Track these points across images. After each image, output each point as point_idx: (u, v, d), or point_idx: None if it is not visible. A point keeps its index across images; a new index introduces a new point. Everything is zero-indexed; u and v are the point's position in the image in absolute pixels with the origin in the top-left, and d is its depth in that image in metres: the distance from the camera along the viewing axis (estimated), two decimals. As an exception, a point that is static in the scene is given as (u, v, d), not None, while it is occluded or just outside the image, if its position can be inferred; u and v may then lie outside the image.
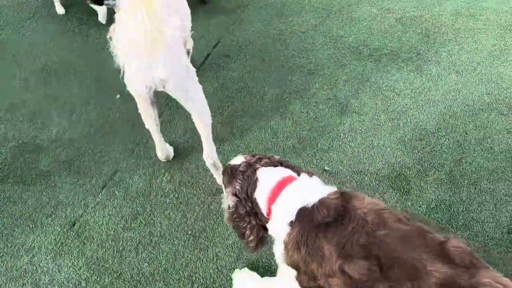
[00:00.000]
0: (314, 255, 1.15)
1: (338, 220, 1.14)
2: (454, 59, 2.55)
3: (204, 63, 2.65)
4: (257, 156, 1.36)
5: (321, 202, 1.17)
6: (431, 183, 1.97)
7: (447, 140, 2.14)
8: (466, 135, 2.16)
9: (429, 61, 2.54)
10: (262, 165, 1.31)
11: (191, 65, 1.80)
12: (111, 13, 2.17)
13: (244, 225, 1.31)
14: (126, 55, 1.67)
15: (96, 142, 2.25)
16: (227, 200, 1.34)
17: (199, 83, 1.83)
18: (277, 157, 1.40)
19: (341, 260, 1.10)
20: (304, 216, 1.18)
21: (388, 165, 2.05)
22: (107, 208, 1.97)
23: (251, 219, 1.30)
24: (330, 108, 2.32)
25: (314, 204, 1.18)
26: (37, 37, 2.93)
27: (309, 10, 2.96)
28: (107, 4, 2.52)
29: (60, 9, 3.09)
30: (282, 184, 1.26)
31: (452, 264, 1.01)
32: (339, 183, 1.97)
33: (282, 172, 1.30)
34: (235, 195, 1.30)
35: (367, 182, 2.00)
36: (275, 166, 1.33)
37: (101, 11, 2.88)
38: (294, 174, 1.31)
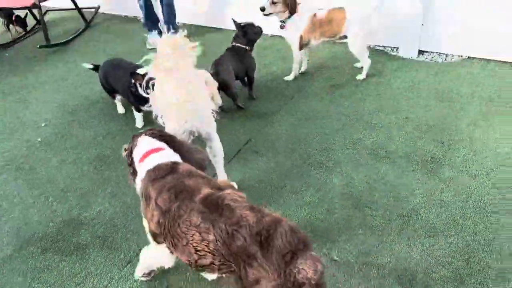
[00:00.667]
0: (147, 199, 1.77)
1: (164, 176, 1.76)
2: (468, 164, 2.68)
3: (235, 156, 2.96)
4: (151, 130, 2.03)
5: (157, 166, 1.81)
6: (437, 280, 2.01)
7: (456, 239, 2.20)
8: (475, 236, 2.21)
9: (443, 164, 2.69)
10: (147, 135, 1.99)
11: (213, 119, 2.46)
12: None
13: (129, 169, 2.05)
14: (165, 111, 2.34)
15: (130, 222, 2.53)
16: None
17: (228, 172, 2.56)
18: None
19: (155, 197, 1.71)
20: (148, 174, 1.82)
21: (396, 259, 2.12)
22: (129, 282, 2.17)
23: (131, 166, 2.01)
24: (344, 202, 2.48)
25: (153, 167, 1.82)
26: (99, 131, 3.42)
27: (333, 116, 3.28)
28: (145, 108, 3.13)
29: (120, 109, 3.65)
30: (148, 153, 1.90)
31: (214, 188, 1.68)
32: (346, 274, 2.06)
33: (154, 145, 1.94)
34: (125, 149, 2.07)
35: (374, 274, 2.07)
36: (158, 138, 1.98)
37: (139, 117, 3.41)
38: (163, 147, 1.94)
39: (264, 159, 2.92)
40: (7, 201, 2.79)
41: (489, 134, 2.91)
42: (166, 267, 2.00)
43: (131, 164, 2.01)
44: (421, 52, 4.00)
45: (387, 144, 2.90)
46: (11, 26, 5.47)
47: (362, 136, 3.00)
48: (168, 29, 2.66)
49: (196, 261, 1.62)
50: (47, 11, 5.60)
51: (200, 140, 2.46)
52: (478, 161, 2.69)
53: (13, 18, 5.31)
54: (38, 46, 4.92)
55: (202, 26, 5.08)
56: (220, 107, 2.74)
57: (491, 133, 2.91)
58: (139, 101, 3.20)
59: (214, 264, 1.58)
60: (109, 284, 2.16)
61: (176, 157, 1.93)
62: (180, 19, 4.87)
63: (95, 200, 2.72)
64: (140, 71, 3.06)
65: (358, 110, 3.30)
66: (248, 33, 3.43)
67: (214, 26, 5.03)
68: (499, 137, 2.88)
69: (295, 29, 3.53)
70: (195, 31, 4.78)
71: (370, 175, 2.66)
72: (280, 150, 2.99)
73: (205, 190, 1.66)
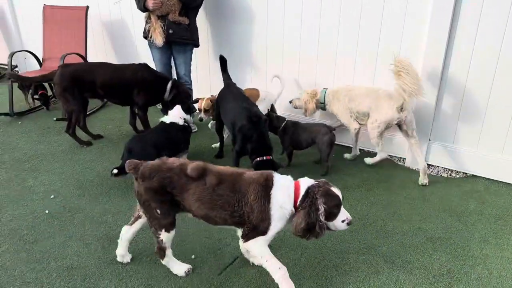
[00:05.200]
0: None
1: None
2: (484, 283, 2.66)
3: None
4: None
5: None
6: None
7: None
8: None
9: (459, 280, 2.67)
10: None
11: None
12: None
13: None
14: None
15: (137, 309, 2.39)
16: None
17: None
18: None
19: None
20: None
21: None
22: None
23: None
24: (362, 311, 2.40)
25: None
26: (108, 209, 3.37)
27: (346, 218, 3.30)
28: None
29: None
30: None
31: None
32: None
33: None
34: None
35: None
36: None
37: None
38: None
39: (276, 253, 2.85)
40: (6, 275, 2.65)
41: (502, 252, 2.93)
42: None
43: None
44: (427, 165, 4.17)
45: (403, 253, 2.90)
46: (29, 96, 5.63)
47: (377, 242, 3.00)
48: None
49: None
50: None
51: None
52: (493, 281, 2.68)
53: (39, 93, 5.47)
54: (55, 119, 5.03)
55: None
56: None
57: (504, 252, 2.94)
58: None
59: None
60: None
61: None
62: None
63: (101, 283, 2.60)
64: None
65: (371, 215, 3.34)
66: None
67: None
68: (510, 256, 2.91)
69: None
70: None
71: (387, 284, 2.61)
72: (293, 246, 2.95)
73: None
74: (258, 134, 3.44)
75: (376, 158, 4.04)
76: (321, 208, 2.18)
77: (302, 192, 2.25)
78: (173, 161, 2.41)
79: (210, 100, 4.16)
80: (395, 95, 3.70)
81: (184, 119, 3.92)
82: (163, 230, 2.42)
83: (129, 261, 2.76)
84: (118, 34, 5.93)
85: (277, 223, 2.27)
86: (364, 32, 4.11)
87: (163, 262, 2.59)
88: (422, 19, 3.76)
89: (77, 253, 2.85)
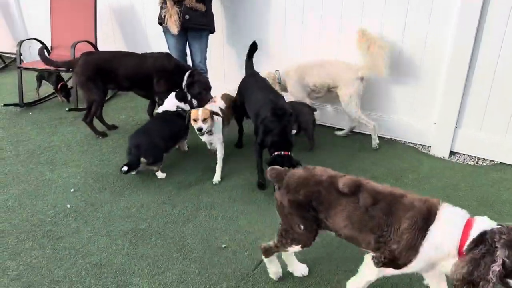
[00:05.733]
0: None
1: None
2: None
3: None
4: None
5: None
6: None
7: None
8: None
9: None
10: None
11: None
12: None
13: None
14: None
15: (174, 308, 2.30)
16: None
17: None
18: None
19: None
20: None
21: None
22: None
23: None
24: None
25: None
26: (132, 202, 3.27)
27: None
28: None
29: (160, 175, 3.56)
30: None
31: None
32: None
33: None
34: None
35: None
36: None
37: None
38: None
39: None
40: (33, 273, 2.55)
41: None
42: None
43: None
44: (452, 153, 4.07)
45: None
46: (38, 89, 5.46)
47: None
48: None
49: None
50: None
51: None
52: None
53: (59, 86, 5.29)
54: (67, 109, 4.89)
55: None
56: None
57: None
58: None
59: None
60: None
61: None
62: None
63: (132, 280, 2.50)
64: None
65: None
66: None
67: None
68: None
69: None
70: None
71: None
72: (326, 238, 2.86)
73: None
74: (280, 128, 3.33)
75: (373, 137, 4.17)
76: (499, 261, 1.61)
77: (473, 234, 1.73)
78: (321, 173, 2.12)
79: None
80: (353, 66, 3.99)
81: (178, 106, 3.82)
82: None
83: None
84: (127, 21, 5.76)
85: (419, 264, 1.85)
86: (388, 16, 3.97)
87: (265, 260, 2.46)
88: None
89: (105, 249, 2.76)
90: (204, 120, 3.44)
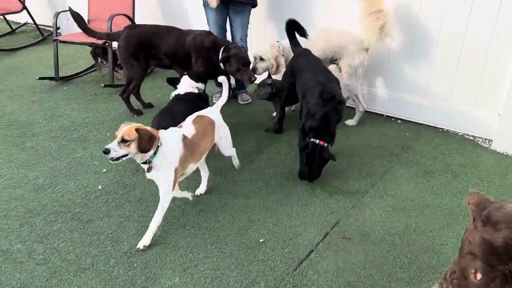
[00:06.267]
0: None
1: None
2: None
3: (322, 240, 2.56)
4: None
5: None
6: None
7: None
8: None
9: None
10: None
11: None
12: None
13: None
14: None
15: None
16: None
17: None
18: None
19: None
20: None
21: None
22: None
23: None
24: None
25: None
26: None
27: (432, 208, 2.88)
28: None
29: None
30: None
31: None
32: None
33: None
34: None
35: None
36: None
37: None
38: None
39: (358, 248, 2.50)
40: (60, 258, 2.40)
41: None
42: None
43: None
44: (517, 148, 3.65)
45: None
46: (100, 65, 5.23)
47: (477, 240, 2.58)
48: None
49: None
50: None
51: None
52: None
53: (118, 62, 4.98)
54: (103, 85, 4.74)
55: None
56: None
57: None
58: None
59: None
60: None
61: None
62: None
63: (163, 273, 2.31)
64: None
65: (461, 205, 2.91)
66: None
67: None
68: None
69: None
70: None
71: None
72: (376, 241, 2.58)
73: None
74: (323, 113, 3.03)
75: (356, 118, 4.08)
76: None
77: None
78: None
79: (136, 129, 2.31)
80: (358, 36, 3.77)
81: (197, 87, 3.50)
82: None
83: None
84: (166, -6, 5.53)
85: None
86: None
87: None
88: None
89: (135, 237, 2.58)
90: (123, 141, 2.25)
